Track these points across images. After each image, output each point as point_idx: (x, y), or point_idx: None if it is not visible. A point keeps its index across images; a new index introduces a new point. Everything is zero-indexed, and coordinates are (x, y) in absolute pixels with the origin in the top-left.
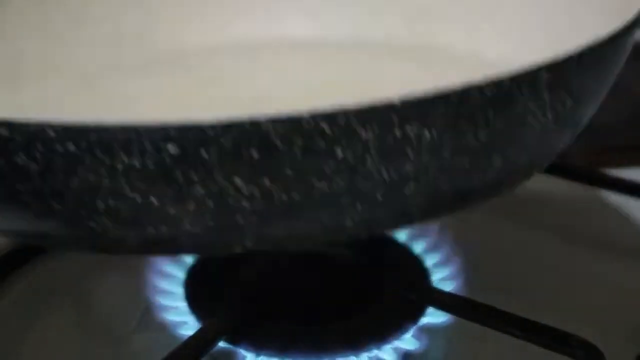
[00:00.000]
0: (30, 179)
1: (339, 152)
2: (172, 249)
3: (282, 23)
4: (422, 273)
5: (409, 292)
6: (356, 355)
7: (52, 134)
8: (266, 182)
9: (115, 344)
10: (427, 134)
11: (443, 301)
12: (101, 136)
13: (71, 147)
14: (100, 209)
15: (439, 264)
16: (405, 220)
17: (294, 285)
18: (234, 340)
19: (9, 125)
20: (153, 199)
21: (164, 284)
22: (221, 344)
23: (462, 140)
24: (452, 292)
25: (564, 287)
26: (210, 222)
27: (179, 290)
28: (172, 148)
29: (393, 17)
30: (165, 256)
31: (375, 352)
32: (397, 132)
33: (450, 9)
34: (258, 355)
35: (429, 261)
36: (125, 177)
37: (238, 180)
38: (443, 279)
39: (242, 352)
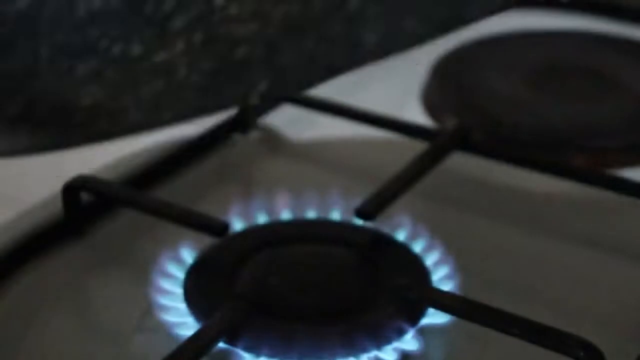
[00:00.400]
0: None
1: None
2: (180, 109)
3: None
4: (422, 273)
5: (409, 293)
6: (356, 356)
7: None
8: None
9: (115, 344)
10: None
11: (443, 302)
12: None
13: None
14: (78, 74)
15: (439, 264)
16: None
17: (294, 285)
18: (234, 341)
19: None
20: (134, 46)
21: (163, 284)
22: (221, 345)
23: None
24: (452, 292)
25: (564, 287)
26: (207, 62)
27: (179, 290)
28: None
29: None
30: (173, 124)
31: (375, 353)
32: None
33: None
34: (257, 355)
35: (429, 261)
36: (91, 26)
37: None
38: (443, 279)
39: (242, 352)
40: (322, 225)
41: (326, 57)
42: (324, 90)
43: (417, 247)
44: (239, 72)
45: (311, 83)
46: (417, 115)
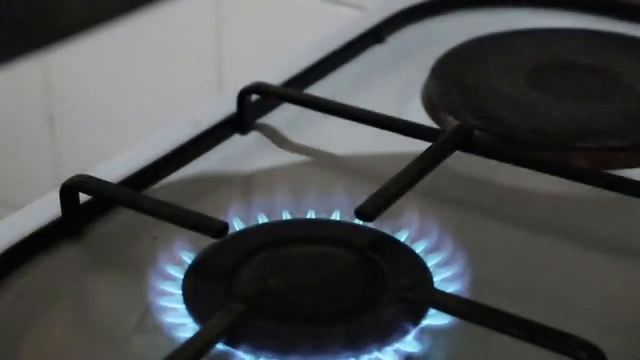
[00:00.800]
0: None
1: None
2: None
3: None
4: (424, 274)
5: (410, 293)
6: (356, 357)
7: None
8: None
9: (114, 345)
10: None
11: (444, 303)
12: None
13: None
14: None
15: (441, 265)
16: None
17: (293, 286)
18: (233, 342)
19: None
20: None
21: (162, 285)
22: (220, 346)
23: None
24: (454, 293)
25: (566, 287)
26: None
27: (178, 291)
28: None
29: None
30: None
31: (375, 354)
32: None
33: None
34: (257, 357)
35: (431, 262)
36: None
37: None
38: (445, 280)
39: (241, 354)
40: (322, 225)
41: None
42: (324, 90)
43: (418, 248)
44: None
45: None
46: (417, 115)
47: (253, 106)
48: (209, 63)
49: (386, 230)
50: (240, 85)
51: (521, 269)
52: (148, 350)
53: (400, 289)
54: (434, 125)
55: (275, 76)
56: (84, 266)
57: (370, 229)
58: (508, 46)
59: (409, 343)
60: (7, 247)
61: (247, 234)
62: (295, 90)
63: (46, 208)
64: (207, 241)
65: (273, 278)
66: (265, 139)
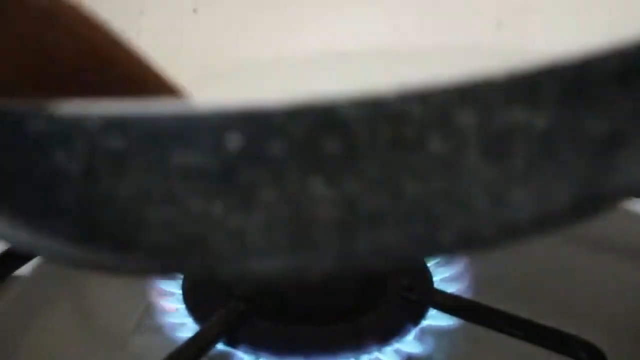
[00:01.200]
0: (68, 184)
1: (434, 144)
2: (235, 273)
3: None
4: (425, 274)
5: (411, 293)
6: (356, 357)
7: (92, 126)
8: (348, 182)
9: (114, 345)
10: (539, 119)
11: (445, 303)
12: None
13: (115, 141)
14: (151, 220)
15: (442, 265)
16: (510, 233)
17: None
18: (233, 342)
19: (44, 117)
20: (214, 206)
21: (162, 285)
22: (220, 346)
23: (583, 129)
24: (455, 293)
25: (567, 288)
26: (282, 235)
27: (178, 291)
28: (234, 140)
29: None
30: (227, 283)
31: (375, 354)
32: (503, 116)
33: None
34: (257, 357)
35: (431, 262)
36: (180, 178)
37: (317, 181)
38: (445, 280)
39: (241, 354)
40: None
41: (400, 249)
42: None
43: None
44: (307, 250)
45: (378, 271)
46: None
47: None
48: None
49: None
50: None
51: (522, 269)
52: (148, 349)
53: (400, 289)
54: None
55: None
56: None
57: None
58: None
59: (409, 343)
60: (7, 247)
61: None
62: None
63: None
64: None
65: None
66: None
